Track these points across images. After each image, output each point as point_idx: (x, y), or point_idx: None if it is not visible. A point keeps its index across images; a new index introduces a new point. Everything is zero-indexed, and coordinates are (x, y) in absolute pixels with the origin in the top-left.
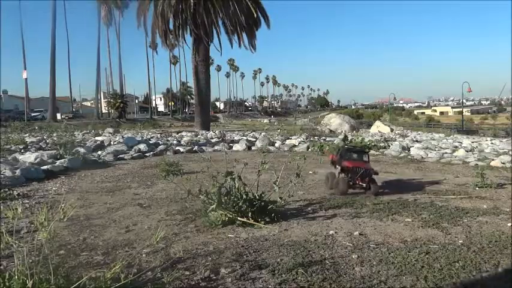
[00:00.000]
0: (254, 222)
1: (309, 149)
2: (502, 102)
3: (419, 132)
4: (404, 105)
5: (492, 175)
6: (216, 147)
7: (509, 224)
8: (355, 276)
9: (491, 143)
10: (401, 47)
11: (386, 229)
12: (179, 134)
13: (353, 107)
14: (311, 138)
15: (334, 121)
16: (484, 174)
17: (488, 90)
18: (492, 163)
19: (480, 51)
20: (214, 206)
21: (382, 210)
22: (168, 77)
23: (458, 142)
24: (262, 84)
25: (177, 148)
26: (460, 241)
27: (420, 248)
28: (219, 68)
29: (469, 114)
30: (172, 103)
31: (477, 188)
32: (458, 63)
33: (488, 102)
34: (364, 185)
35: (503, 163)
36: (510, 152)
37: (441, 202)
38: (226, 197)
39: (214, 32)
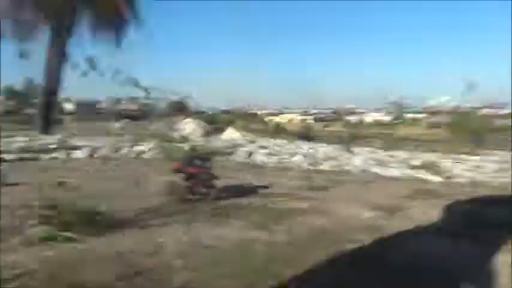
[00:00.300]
0: (79, 236)
1: (158, 155)
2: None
3: (266, 138)
4: (258, 111)
5: (319, 178)
6: (54, 154)
7: (320, 221)
8: (177, 282)
9: (324, 149)
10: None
11: (219, 232)
12: (12, 138)
13: (210, 112)
14: (162, 144)
15: (189, 126)
16: (311, 177)
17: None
18: (321, 167)
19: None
20: (35, 221)
21: (219, 214)
22: (14, 74)
23: (299, 148)
24: (120, 85)
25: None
26: (283, 239)
27: (247, 248)
28: (75, 66)
29: (313, 121)
30: (12, 102)
31: (305, 190)
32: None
33: (331, 110)
34: (205, 190)
35: (330, 167)
36: (335, 157)
37: (272, 204)
38: (51, 210)
39: (75, 26)
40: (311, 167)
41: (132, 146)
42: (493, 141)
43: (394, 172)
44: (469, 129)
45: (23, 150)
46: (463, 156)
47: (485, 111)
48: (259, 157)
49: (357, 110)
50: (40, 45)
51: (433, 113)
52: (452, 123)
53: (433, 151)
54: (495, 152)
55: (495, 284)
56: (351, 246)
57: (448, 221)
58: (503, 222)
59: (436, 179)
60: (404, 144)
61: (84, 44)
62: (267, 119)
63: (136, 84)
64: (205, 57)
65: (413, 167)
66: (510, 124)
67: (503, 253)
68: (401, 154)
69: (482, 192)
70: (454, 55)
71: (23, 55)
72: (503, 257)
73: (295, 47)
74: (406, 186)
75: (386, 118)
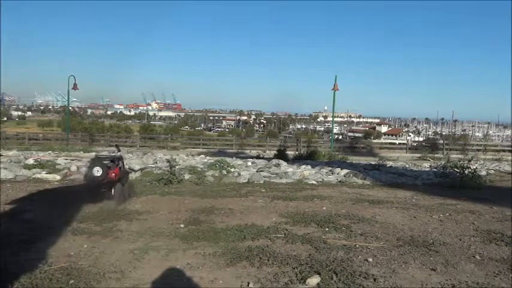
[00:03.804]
0: None
1: None
2: None
3: None
4: None
5: None
6: None
7: None
8: None
9: None
10: None
11: None
12: None
13: None
14: None
15: None
16: None
17: None
18: None
19: None
20: None
21: None
22: None
23: None
24: None
25: None
26: None
27: None
28: None
29: None
30: None
31: None
32: None
33: None
34: None
35: None
36: None
37: None
38: None
39: None
40: None
41: None
42: (104, 139)
43: (6, 173)
44: (80, 128)
45: None
46: (77, 153)
47: (90, 111)
48: None
49: None
50: None
51: (43, 111)
52: (64, 122)
53: (49, 149)
54: (107, 148)
55: None
56: None
57: None
58: None
59: (54, 177)
60: (16, 143)
61: None
62: None
63: None
64: None
65: (29, 167)
66: (116, 123)
67: None
68: (15, 153)
69: None
70: None
71: None
72: None
73: None
74: (22, 187)
75: None
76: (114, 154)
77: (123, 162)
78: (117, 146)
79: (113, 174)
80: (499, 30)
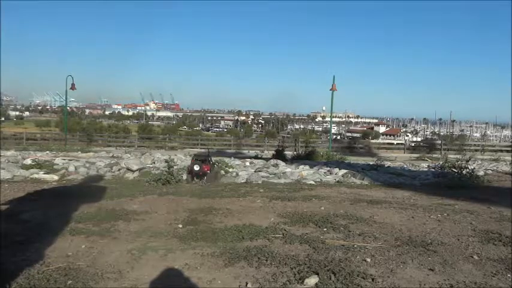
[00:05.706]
0: None
1: None
2: None
3: None
4: None
5: None
6: None
7: None
8: None
9: None
10: None
11: None
12: None
13: None
14: None
15: None
16: None
17: None
18: None
19: None
20: None
21: None
22: None
23: None
24: None
25: None
26: None
27: None
28: None
29: None
30: None
31: None
32: None
33: None
34: None
35: None
36: None
37: None
38: None
39: None
40: None
41: None
42: (102, 140)
43: (3, 173)
44: (78, 128)
45: None
46: (75, 153)
47: (88, 111)
48: None
49: None
50: None
51: (40, 111)
52: (62, 122)
53: (47, 150)
54: (105, 148)
55: None
56: None
57: None
58: None
59: (52, 177)
60: (14, 143)
61: None
62: None
63: None
64: None
65: (27, 167)
66: (114, 123)
67: None
68: (13, 153)
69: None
70: None
71: None
72: None
73: None
74: (20, 187)
75: None
76: (206, 154)
77: (211, 158)
78: (208, 150)
79: (205, 168)
80: (498, 31)
